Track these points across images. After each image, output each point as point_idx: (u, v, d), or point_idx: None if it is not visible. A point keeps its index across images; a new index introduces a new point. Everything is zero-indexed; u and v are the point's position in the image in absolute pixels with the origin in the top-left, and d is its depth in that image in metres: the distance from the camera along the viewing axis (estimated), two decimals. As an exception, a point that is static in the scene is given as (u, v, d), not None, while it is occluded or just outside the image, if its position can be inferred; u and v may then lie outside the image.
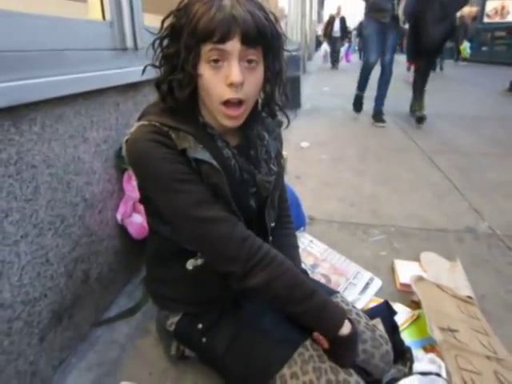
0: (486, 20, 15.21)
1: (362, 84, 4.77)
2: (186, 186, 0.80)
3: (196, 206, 0.80)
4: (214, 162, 0.83)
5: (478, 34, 14.58)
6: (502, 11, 15.22)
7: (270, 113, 0.95)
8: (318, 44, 21.09)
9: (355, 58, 16.09)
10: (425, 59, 4.54)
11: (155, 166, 0.79)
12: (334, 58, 13.21)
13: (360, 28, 15.70)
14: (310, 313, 0.85)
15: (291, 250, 1.12)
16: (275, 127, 1.04)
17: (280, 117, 1.01)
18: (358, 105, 5.00)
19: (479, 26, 14.79)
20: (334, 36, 12.94)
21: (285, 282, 0.83)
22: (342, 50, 13.70)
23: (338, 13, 13.14)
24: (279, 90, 0.90)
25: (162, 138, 0.80)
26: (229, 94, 0.78)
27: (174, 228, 0.88)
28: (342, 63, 13.56)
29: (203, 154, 0.82)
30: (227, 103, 0.80)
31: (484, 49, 14.44)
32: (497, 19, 15.14)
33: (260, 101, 0.92)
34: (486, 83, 8.53)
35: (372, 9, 4.18)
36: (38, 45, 1.01)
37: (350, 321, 0.87)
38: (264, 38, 0.78)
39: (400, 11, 4.09)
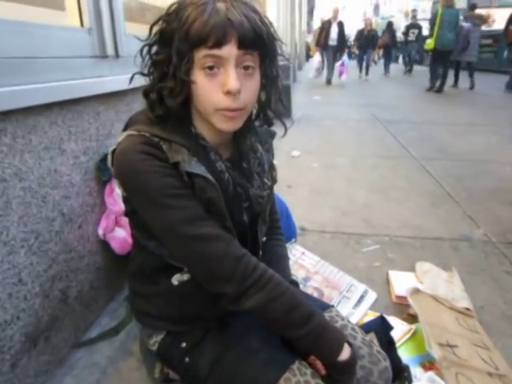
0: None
1: None
2: (178, 201, 0.75)
3: (189, 222, 0.75)
4: (210, 176, 0.77)
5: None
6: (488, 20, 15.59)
7: (266, 121, 0.90)
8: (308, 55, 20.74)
9: (353, 71, 11.82)
10: None
11: (145, 180, 0.74)
12: (330, 72, 10.43)
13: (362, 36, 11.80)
14: (309, 337, 0.79)
15: (281, 260, 1.07)
16: (268, 138, 0.99)
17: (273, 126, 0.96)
18: None
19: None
20: (330, 45, 10.10)
21: (282, 305, 0.78)
22: (338, 63, 10.34)
23: (335, 17, 10.22)
24: (275, 96, 0.85)
25: (152, 149, 0.74)
26: (225, 103, 0.73)
27: (164, 244, 0.82)
28: (337, 79, 10.47)
29: (198, 168, 0.77)
30: (224, 109, 0.75)
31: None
32: (483, 28, 15.49)
33: (254, 109, 0.87)
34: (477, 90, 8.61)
35: None
36: (6, 51, 0.96)
37: (349, 343, 0.82)
38: (261, 42, 0.73)
39: None
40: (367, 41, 11.91)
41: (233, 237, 0.81)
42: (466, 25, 7.90)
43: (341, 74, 10.43)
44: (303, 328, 0.78)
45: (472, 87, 8.60)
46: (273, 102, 0.85)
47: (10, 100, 0.92)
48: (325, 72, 10.69)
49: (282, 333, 0.83)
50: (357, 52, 13.91)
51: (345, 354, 0.79)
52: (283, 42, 0.86)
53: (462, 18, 8.10)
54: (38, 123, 1.04)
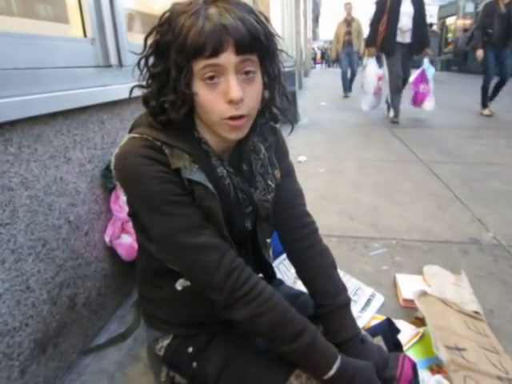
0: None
1: None
2: (176, 209, 0.75)
3: (185, 231, 0.75)
4: (210, 185, 0.77)
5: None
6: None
7: (272, 118, 0.89)
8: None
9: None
10: None
11: (145, 185, 0.74)
12: (397, 98, 5.26)
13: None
14: (296, 354, 0.80)
15: (322, 272, 0.98)
16: (269, 135, 0.95)
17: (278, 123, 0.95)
18: None
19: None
20: (399, 42, 4.95)
21: (268, 321, 0.78)
22: (415, 75, 5.28)
23: None
24: (279, 92, 0.84)
25: (154, 153, 0.74)
26: (230, 112, 0.73)
27: (161, 248, 0.83)
28: (406, 108, 5.51)
29: (199, 176, 0.76)
30: (229, 117, 0.74)
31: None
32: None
33: (259, 107, 0.84)
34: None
35: None
36: (12, 63, 0.98)
37: (347, 362, 0.81)
38: (259, 44, 0.72)
39: None
40: (504, 27, 5.33)
41: (229, 246, 0.80)
42: None
43: (421, 97, 5.31)
44: (289, 345, 0.79)
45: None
46: (277, 99, 0.84)
47: (15, 110, 0.94)
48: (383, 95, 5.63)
49: (270, 345, 0.84)
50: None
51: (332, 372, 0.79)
52: (282, 37, 0.85)
53: None
54: (44, 132, 1.06)
